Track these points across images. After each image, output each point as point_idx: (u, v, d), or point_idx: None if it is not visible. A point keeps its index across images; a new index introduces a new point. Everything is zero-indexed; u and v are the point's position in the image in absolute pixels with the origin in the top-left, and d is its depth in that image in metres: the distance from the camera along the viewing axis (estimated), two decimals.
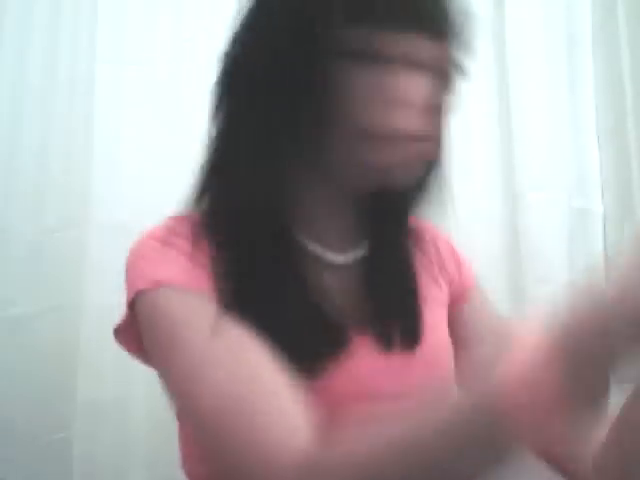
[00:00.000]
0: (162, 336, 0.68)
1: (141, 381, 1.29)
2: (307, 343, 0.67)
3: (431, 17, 0.67)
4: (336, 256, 0.75)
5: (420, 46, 0.66)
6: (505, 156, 1.35)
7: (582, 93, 1.36)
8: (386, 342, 0.74)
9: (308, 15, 0.66)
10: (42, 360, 1.31)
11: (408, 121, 0.66)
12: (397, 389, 0.73)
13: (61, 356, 1.30)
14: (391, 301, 0.76)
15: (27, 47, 1.35)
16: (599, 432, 0.67)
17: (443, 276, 0.85)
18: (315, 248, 0.74)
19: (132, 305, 0.70)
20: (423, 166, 0.71)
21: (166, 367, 0.69)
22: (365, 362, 0.72)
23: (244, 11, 0.76)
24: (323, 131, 0.67)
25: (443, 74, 0.69)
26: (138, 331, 0.71)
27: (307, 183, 0.72)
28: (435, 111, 0.68)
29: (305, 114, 0.67)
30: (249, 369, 0.63)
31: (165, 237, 0.72)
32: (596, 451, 0.68)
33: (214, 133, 0.78)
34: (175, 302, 0.67)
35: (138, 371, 1.29)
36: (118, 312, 1.29)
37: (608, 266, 1.32)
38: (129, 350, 0.76)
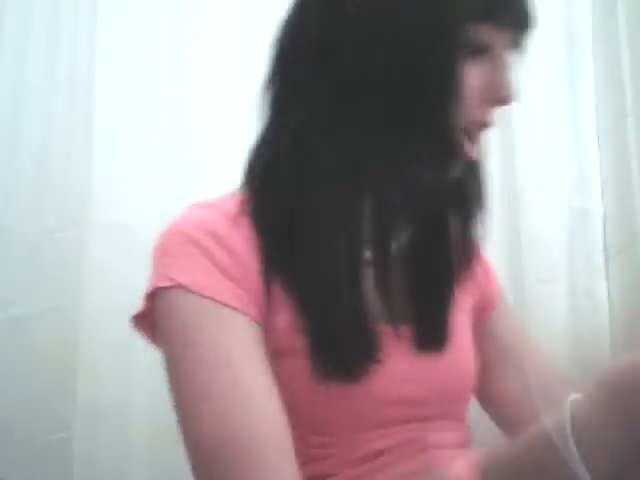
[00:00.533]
0: (173, 340, 0.69)
1: (141, 381, 1.29)
2: (348, 347, 0.67)
3: (527, 14, 0.70)
4: (369, 252, 0.72)
5: (518, 42, 0.70)
6: (505, 156, 1.35)
7: (582, 93, 1.36)
8: (418, 343, 0.73)
9: (434, 10, 0.66)
10: (42, 360, 1.31)
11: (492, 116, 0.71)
12: (423, 394, 0.73)
13: (61, 356, 1.30)
14: (426, 301, 0.76)
15: (27, 47, 1.35)
16: None
17: (471, 281, 0.83)
18: (356, 245, 0.72)
19: (150, 297, 0.70)
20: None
21: (172, 375, 0.70)
22: (398, 365, 0.71)
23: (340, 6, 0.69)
24: (433, 125, 0.68)
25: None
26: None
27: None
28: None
29: (422, 108, 0.67)
30: (253, 410, 0.62)
31: (193, 234, 0.69)
32: None
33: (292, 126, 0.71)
34: (190, 308, 0.66)
35: (138, 371, 1.30)
36: (118, 312, 1.30)
37: (608, 266, 1.33)
38: (148, 337, 0.75)
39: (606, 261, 1.31)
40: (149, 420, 1.29)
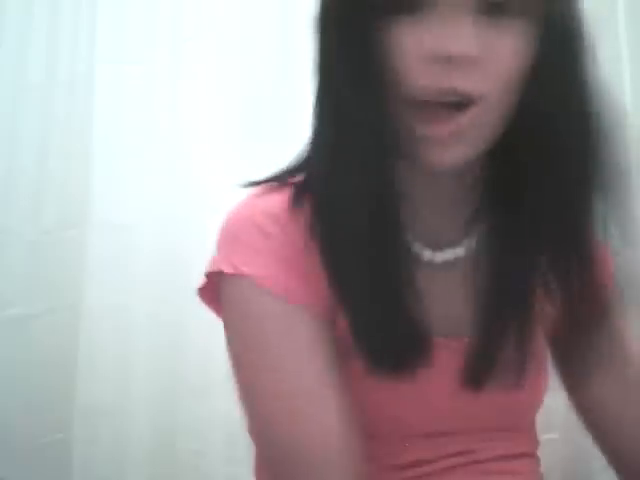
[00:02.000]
0: (235, 330, 0.67)
1: (141, 382, 1.29)
2: (387, 346, 0.63)
3: None
4: (435, 254, 0.67)
5: None
6: None
7: None
8: (474, 375, 0.66)
9: None
10: (41, 361, 1.31)
11: (449, 80, 0.55)
12: (476, 410, 0.69)
13: (60, 357, 1.30)
14: (496, 314, 0.66)
15: (27, 47, 1.35)
16: None
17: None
18: (413, 245, 0.66)
19: (212, 275, 0.68)
20: (480, 141, 0.59)
21: (237, 367, 0.67)
22: (432, 381, 0.66)
23: None
24: (374, 99, 0.58)
25: (491, 10, 0.56)
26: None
27: (398, 171, 0.62)
28: (485, 63, 0.56)
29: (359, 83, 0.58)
30: (322, 409, 0.62)
31: (263, 225, 0.65)
32: None
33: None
34: (253, 301, 0.64)
35: (138, 372, 1.30)
36: (118, 312, 1.30)
37: None
38: (213, 309, 0.72)
39: None
40: (148, 421, 1.29)
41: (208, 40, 1.36)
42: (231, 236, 0.67)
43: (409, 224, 0.64)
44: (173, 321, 1.31)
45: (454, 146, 0.58)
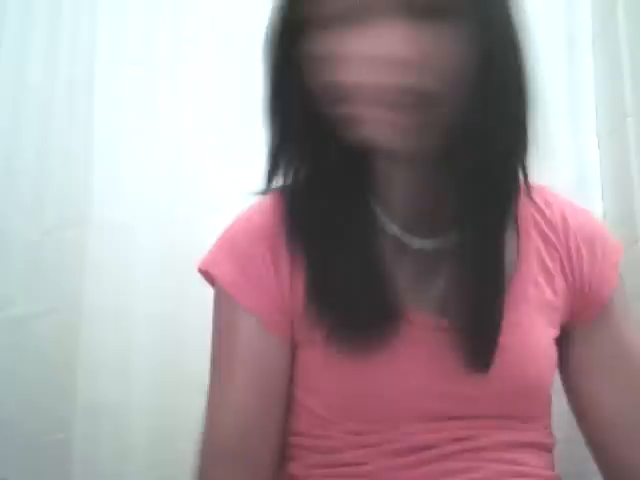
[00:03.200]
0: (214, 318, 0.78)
1: (141, 382, 1.29)
2: (358, 311, 0.68)
3: None
4: (416, 240, 0.72)
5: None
6: None
7: (582, 93, 1.36)
8: (461, 344, 0.69)
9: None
10: (41, 360, 1.30)
11: (360, 76, 0.59)
12: (472, 391, 0.70)
13: (60, 356, 1.30)
14: (465, 299, 0.69)
15: (27, 47, 1.35)
16: None
17: (566, 274, 0.75)
18: (392, 228, 0.72)
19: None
20: (413, 128, 0.62)
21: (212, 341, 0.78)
22: (419, 360, 0.70)
23: None
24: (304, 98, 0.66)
25: (418, 12, 0.59)
26: None
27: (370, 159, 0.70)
28: (406, 65, 0.59)
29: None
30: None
31: (246, 241, 0.75)
32: None
33: None
34: (223, 307, 0.76)
35: (138, 372, 1.30)
36: (118, 313, 1.30)
37: None
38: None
39: None
40: (149, 420, 1.29)
41: (208, 40, 1.36)
42: (226, 243, 0.78)
43: (391, 212, 0.71)
44: (174, 321, 1.31)
45: (397, 135, 0.62)
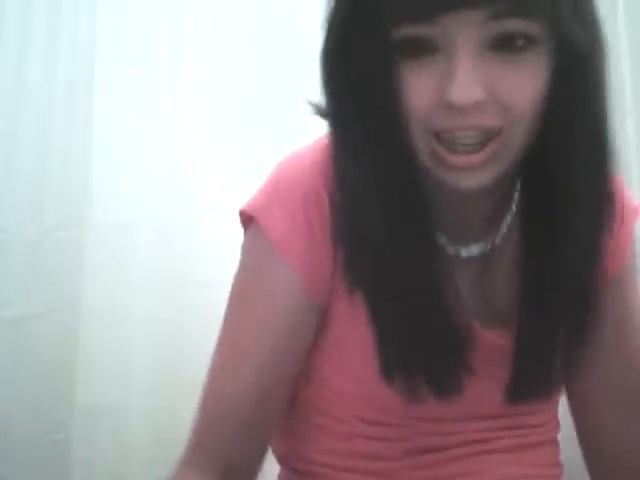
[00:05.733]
0: (238, 272, 0.72)
1: (140, 382, 1.29)
2: (433, 348, 0.64)
3: None
4: (462, 249, 0.69)
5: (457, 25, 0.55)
6: None
7: None
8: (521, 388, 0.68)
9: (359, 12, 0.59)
10: (41, 361, 1.30)
11: (464, 120, 0.57)
12: (479, 409, 0.69)
13: (60, 357, 1.30)
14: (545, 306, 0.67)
15: (27, 47, 1.35)
16: None
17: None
18: (440, 238, 0.68)
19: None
20: (494, 168, 0.60)
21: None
22: (487, 381, 0.68)
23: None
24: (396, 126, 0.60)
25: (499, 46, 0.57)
26: None
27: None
28: (499, 98, 0.57)
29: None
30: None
31: (305, 195, 0.67)
32: None
33: None
34: (262, 253, 0.69)
35: (137, 372, 1.30)
36: (117, 313, 1.30)
37: None
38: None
39: None
40: (148, 421, 1.29)
41: (208, 40, 1.36)
42: (272, 187, 0.70)
43: (441, 223, 0.67)
44: (172, 321, 1.31)
45: (481, 172, 0.60)
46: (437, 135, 0.59)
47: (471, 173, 0.60)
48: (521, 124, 0.59)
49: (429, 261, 0.64)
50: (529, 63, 0.58)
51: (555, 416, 0.78)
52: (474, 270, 0.69)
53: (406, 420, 0.70)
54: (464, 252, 0.69)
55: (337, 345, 0.70)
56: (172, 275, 1.31)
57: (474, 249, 0.69)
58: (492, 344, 0.68)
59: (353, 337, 0.68)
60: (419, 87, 0.58)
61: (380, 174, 0.62)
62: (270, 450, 0.76)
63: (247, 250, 0.71)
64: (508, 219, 0.70)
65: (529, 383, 0.68)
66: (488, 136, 0.58)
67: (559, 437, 0.79)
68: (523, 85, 0.58)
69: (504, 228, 0.70)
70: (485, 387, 0.69)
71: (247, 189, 1.36)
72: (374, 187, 0.62)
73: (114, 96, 1.33)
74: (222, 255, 1.20)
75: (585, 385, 0.75)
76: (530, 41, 0.57)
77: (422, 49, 0.58)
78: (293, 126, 1.27)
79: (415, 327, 0.64)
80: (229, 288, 0.75)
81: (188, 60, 1.35)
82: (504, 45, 0.57)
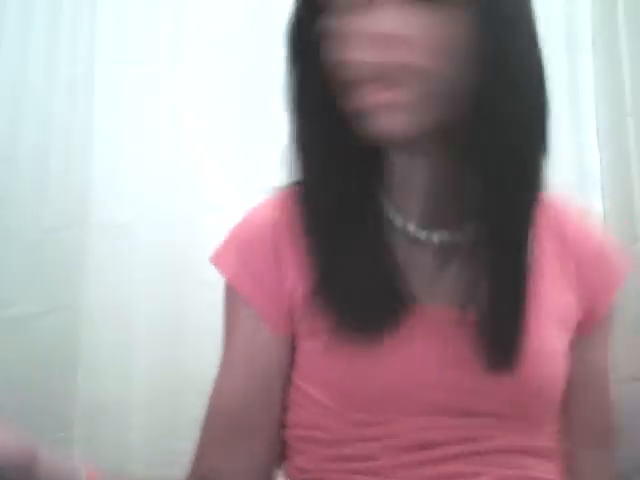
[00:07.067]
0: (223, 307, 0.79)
1: (141, 381, 1.29)
2: (368, 299, 0.69)
3: None
4: (430, 234, 0.71)
5: None
6: None
7: (582, 93, 1.36)
8: (469, 341, 0.67)
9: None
10: (42, 360, 1.30)
11: (360, 53, 0.63)
12: (479, 386, 0.69)
13: (61, 356, 1.30)
14: (489, 294, 0.68)
15: (27, 47, 1.35)
16: None
17: (579, 289, 0.74)
18: (403, 223, 0.72)
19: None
20: (413, 107, 0.64)
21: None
22: (441, 349, 0.69)
23: None
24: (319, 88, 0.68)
25: None
26: None
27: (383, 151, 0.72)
28: (403, 43, 0.62)
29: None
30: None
31: (251, 237, 0.76)
32: None
33: None
34: (230, 302, 0.77)
35: (138, 371, 1.30)
36: (118, 312, 1.30)
37: None
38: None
39: None
40: (149, 420, 1.29)
41: (208, 40, 1.36)
42: (233, 238, 0.78)
43: (400, 205, 0.72)
44: (173, 321, 1.31)
45: (397, 114, 0.63)
46: (354, 85, 0.65)
47: (387, 115, 0.64)
48: (431, 70, 0.63)
49: (376, 234, 0.71)
50: (439, 13, 0.63)
51: (556, 433, 0.77)
52: (440, 255, 0.71)
53: (395, 415, 0.70)
54: (433, 237, 0.72)
55: (306, 358, 0.74)
56: (173, 274, 1.31)
57: (443, 236, 0.72)
58: (441, 318, 0.70)
59: (316, 345, 0.72)
60: (341, 33, 0.64)
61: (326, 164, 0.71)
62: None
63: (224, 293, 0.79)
64: (467, 210, 0.71)
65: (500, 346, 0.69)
66: (399, 78, 0.63)
67: None
68: (432, 31, 0.63)
69: (461, 219, 0.71)
70: (456, 373, 0.69)
71: (248, 188, 1.38)
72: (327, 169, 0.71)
73: (114, 96, 1.33)
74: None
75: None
76: None
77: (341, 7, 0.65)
78: None
79: (357, 287, 0.69)
80: None
81: (188, 60, 1.35)
82: None
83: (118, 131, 1.33)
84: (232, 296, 0.76)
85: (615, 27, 1.31)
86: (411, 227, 0.72)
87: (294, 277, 0.73)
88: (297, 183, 0.74)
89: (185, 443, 1.29)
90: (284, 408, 0.75)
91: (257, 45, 1.36)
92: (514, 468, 0.71)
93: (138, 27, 1.35)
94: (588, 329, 0.75)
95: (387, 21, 0.62)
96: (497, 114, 0.65)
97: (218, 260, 0.78)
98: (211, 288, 1.30)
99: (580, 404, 0.76)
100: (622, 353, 0.85)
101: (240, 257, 0.75)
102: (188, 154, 1.34)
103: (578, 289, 0.74)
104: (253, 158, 1.34)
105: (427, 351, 0.69)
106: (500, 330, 0.68)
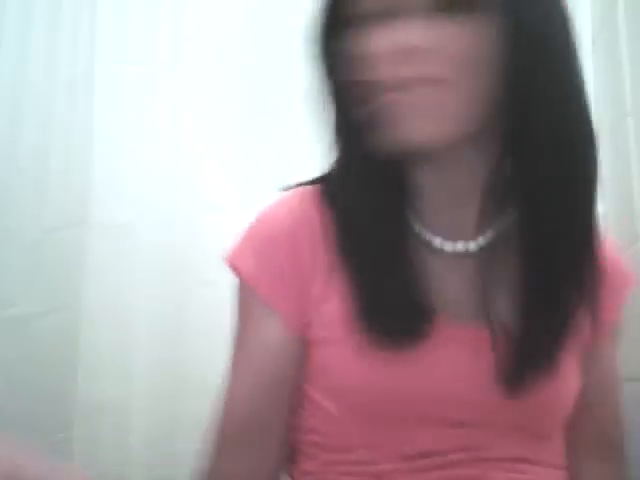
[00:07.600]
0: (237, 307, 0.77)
1: (141, 381, 1.29)
2: (390, 311, 0.68)
3: None
4: (448, 244, 0.71)
5: None
6: None
7: None
8: (486, 356, 0.67)
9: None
10: (42, 360, 1.30)
11: (374, 72, 0.64)
12: (471, 413, 0.69)
13: (61, 356, 1.30)
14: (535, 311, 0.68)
15: (27, 47, 1.35)
16: None
17: (590, 306, 0.72)
18: (422, 232, 0.71)
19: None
20: (429, 116, 0.64)
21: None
22: (455, 366, 0.69)
23: None
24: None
25: (443, 7, 0.63)
26: None
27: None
28: (423, 55, 0.63)
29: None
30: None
31: (272, 234, 0.74)
32: None
33: None
34: (244, 298, 0.76)
35: (138, 371, 1.30)
36: (118, 312, 1.30)
37: None
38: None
39: None
40: (149, 420, 1.29)
41: (208, 40, 1.36)
42: (247, 236, 0.77)
43: (422, 216, 0.71)
44: (173, 321, 1.31)
45: (419, 119, 0.64)
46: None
47: (409, 119, 0.64)
48: (457, 80, 0.63)
49: (398, 244, 0.70)
50: (468, 25, 0.63)
51: (561, 448, 0.77)
52: (467, 268, 0.70)
53: (406, 425, 0.70)
54: (450, 247, 0.71)
55: (321, 366, 0.73)
56: (174, 274, 1.31)
57: (459, 246, 0.71)
58: (470, 339, 0.69)
59: (332, 354, 0.71)
60: (369, 47, 0.65)
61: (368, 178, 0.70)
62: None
63: (237, 292, 0.77)
64: (503, 221, 0.71)
65: (521, 365, 0.69)
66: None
67: None
68: (460, 43, 0.63)
69: (494, 230, 0.71)
70: (471, 383, 0.69)
71: (248, 188, 1.38)
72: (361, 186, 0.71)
73: (114, 96, 1.33)
74: (224, 254, 1.21)
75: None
76: (471, 8, 0.62)
77: (367, 19, 0.65)
78: (293, 125, 1.27)
79: (380, 299, 0.69)
80: (231, 287, 0.77)
81: (188, 60, 1.35)
82: (446, 8, 0.63)
83: (118, 131, 1.33)
84: (247, 296, 0.75)
85: (615, 27, 1.31)
86: (433, 238, 0.71)
87: (311, 281, 0.72)
88: (313, 182, 0.75)
89: (185, 444, 1.30)
90: (291, 411, 0.75)
91: (257, 45, 1.36)
92: (519, 473, 0.71)
93: (138, 27, 1.35)
94: (593, 344, 0.75)
95: (406, 34, 0.63)
96: (532, 129, 0.65)
97: (235, 259, 0.75)
98: (211, 288, 1.31)
99: (588, 418, 0.77)
100: (622, 353, 0.85)
101: (259, 256, 0.73)
102: (188, 154, 1.34)
103: (591, 306, 0.72)
104: (253, 158, 1.34)
105: (452, 367, 0.69)
106: (528, 350, 0.68)
